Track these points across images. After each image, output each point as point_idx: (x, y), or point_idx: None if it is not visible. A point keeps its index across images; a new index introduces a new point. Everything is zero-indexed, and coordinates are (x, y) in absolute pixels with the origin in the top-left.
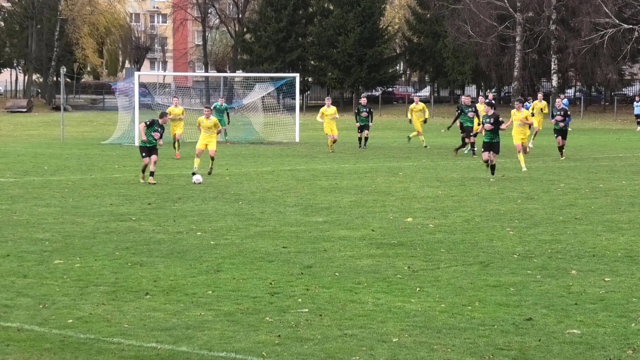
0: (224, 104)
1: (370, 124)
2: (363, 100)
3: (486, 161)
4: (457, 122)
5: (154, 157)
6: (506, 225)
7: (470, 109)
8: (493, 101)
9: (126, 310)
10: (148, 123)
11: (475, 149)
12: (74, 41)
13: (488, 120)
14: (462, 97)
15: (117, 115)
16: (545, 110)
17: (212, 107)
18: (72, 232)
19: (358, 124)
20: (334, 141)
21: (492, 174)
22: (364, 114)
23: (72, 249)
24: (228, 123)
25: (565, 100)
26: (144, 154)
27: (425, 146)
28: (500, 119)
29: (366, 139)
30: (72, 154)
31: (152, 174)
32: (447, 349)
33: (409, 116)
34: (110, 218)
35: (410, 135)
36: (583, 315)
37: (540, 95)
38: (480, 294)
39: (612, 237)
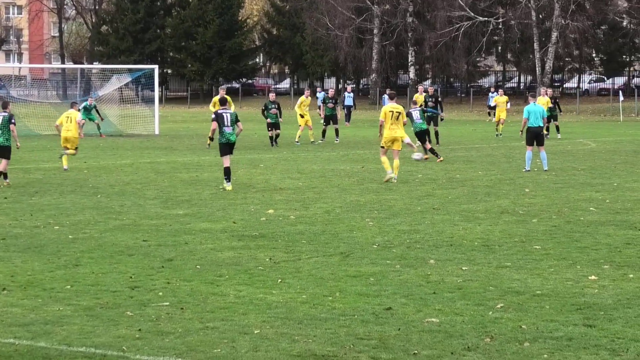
0: (92, 103)
1: (280, 120)
2: (272, 96)
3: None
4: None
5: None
6: (366, 216)
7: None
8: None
9: None
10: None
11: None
12: None
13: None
14: (428, 87)
15: None
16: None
17: (81, 107)
18: None
19: (268, 120)
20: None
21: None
22: (274, 111)
23: None
24: (102, 119)
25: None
26: None
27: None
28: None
29: (277, 136)
30: None
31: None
32: (308, 340)
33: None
34: None
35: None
36: (441, 304)
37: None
38: (340, 284)
39: (469, 226)
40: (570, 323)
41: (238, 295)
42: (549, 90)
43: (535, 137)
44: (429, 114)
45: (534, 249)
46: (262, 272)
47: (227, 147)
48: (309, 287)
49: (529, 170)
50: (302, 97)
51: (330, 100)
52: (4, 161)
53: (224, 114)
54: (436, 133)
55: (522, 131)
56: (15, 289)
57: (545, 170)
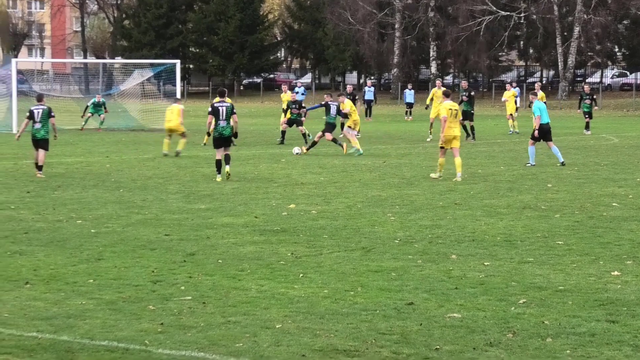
0: (101, 99)
1: (302, 119)
2: (292, 96)
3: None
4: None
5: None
6: (387, 210)
7: (464, 94)
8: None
9: (6, 299)
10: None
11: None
12: None
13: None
14: (462, 81)
15: None
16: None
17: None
18: None
19: (288, 117)
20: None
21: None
22: (294, 111)
23: None
24: (106, 111)
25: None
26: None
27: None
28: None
29: (305, 135)
30: None
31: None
32: (330, 335)
33: (428, 102)
34: None
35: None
36: (463, 299)
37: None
38: (362, 279)
39: (491, 221)
40: (593, 319)
41: (260, 289)
42: (537, 84)
43: (546, 133)
44: (464, 109)
45: (557, 244)
46: (284, 266)
47: (220, 141)
48: (330, 282)
49: (534, 165)
50: (282, 94)
51: (294, 106)
52: (41, 153)
53: (219, 107)
54: (472, 128)
55: (536, 129)
56: (38, 283)
57: (563, 162)
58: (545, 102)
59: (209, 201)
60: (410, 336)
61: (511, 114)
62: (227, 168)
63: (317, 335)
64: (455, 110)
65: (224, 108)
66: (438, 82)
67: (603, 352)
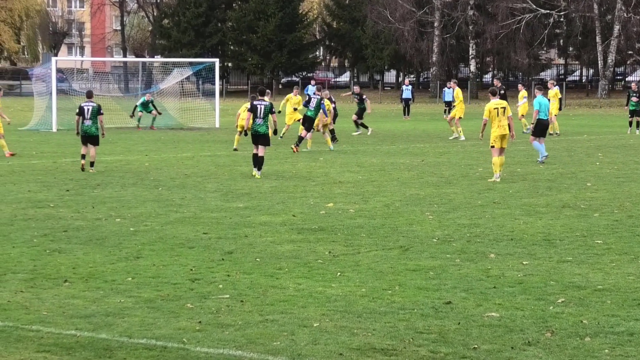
0: (150, 98)
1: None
2: (325, 93)
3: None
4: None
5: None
6: (425, 209)
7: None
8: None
9: (45, 297)
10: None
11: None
12: None
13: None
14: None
15: (34, 102)
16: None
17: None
18: None
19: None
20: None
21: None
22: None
23: None
24: (159, 113)
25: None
26: None
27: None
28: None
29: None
30: None
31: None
32: (367, 333)
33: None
34: (28, 205)
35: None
36: (502, 298)
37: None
38: (400, 278)
39: (530, 220)
40: (631, 318)
41: (297, 288)
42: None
43: (545, 129)
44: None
45: (596, 243)
46: (322, 265)
47: (255, 138)
48: (368, 281)
49: (547, 156)
50: (290, 95)
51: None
52: (92, 149)
53: (258, 105)
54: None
55: (533, 123)
56: (76, 281)
57: (543, 160)
58: (560, 99)
59: (247, 199)
60: (448, 335)
61: (523, 115)
62: (257, 174)
63: (354, 334)
64: (503, 107)
65: (262, 107)
66: (496, 81)
67: None
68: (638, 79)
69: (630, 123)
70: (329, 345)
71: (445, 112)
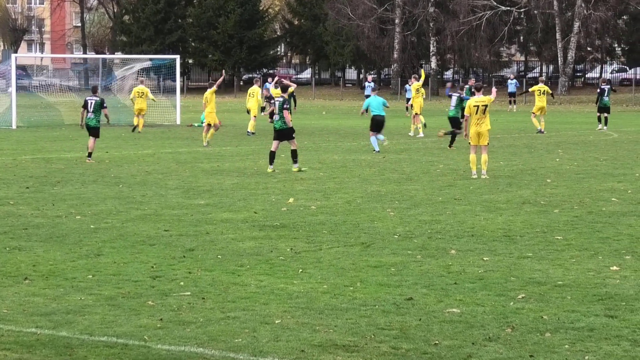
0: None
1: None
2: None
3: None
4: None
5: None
6: (387, 206)
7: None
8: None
9: (5, 295)
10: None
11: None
12: None
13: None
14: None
15: None
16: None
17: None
18: None
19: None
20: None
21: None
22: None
23: None
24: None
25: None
26: None
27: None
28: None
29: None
30: None
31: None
32: (329, 330)
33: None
34: None
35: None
36: (462, 294)
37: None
38: (361, 274)
39: (490, 217)
40: (591, 314)
41: (259, 285)
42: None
43: (379, 125)
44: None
45: (556, 239)
46: (283, 262)
47: (274, 133)
48: (330, 277)
49: (378, 151)
50: (253, 89)
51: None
52: (91, 139)
53: (276, 101)
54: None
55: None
56: (37, 279)
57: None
58: (551, 93)
59: (208, 197)
60: (409, 331)
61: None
62: (294, 167)
63: (316, 331)
64: (484, 105)
65: (278, 102)
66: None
67: (601, 347)
68: (597, 76)
69: (599, 118)
70: (291, 341)
71: (407, 109)
